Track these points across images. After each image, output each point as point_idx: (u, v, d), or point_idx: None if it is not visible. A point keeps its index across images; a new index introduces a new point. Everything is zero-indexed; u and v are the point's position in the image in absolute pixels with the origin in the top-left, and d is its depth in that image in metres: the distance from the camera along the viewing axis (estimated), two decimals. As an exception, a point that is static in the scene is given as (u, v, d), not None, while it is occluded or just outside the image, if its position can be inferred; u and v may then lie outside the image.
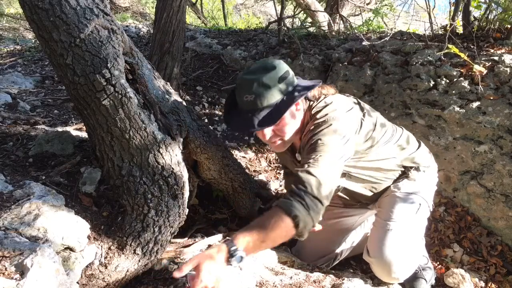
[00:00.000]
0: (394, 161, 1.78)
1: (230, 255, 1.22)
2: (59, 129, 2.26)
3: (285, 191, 2.58)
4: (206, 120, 3.20)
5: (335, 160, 1.41)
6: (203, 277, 1.19)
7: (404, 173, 1.82)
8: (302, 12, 5.58)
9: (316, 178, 1.33)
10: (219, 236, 2.09)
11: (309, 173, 1.34)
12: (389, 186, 1.81)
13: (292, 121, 1.54)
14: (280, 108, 1.44)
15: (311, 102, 1.58)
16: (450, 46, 2.34)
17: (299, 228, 1.27)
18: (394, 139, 1.75)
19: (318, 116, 1.52)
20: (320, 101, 1.58)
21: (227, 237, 1.36)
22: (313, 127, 1.50)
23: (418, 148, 1.84)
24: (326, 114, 1.50)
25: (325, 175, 1.35)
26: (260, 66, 1.48)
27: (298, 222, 1.26)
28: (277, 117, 1.44)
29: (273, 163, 2.91)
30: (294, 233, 1.29)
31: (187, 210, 1.80)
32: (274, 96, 1.44)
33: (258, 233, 1.25)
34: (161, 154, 1.66)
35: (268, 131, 1.52)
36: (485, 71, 2.38)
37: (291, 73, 1.52)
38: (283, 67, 1.49)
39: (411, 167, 1.81)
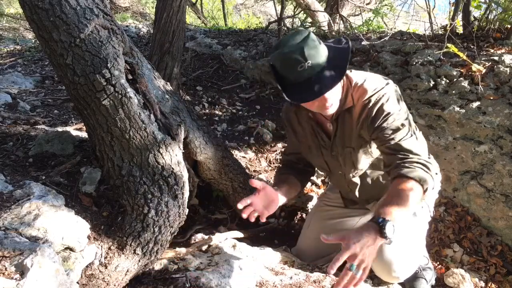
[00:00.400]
0: None
1: (381, 227, 1.25)
2: (59, 129, 2.26)
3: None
4: (206, 120, 3.21)
5: (411, 125, 1.53)
6: (363, 256, 1.22)
7: None
8: (302, 12, 5.59)
9: (413, 143, 1.47)
10: (220, 236, 2.10)
11: (406, 140, 1.47)
12: None
13: (337, 87, 1.49)
14: (337, 62, 1.42)
15: None
16: (449, 45, 2.34)
17: (426, 188, 1.40)
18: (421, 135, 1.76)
19: (369, 88, 1.52)
20: (351, 71, 1.60)
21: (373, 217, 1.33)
22: (373, 100, 1.50)
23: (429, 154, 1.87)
24: (383, 87, 1.52)
25: (417, 140, 1.51)
26: (293, 37, 1.41)
27: (423, 183, 1.39)
28: (341, 70, 1.40)
29: (273, 163, 2.91)
30: (423, 194, 1.41)
31: (187, 210, 1.80)
32: (324, 57, 1.42)
33: (396, 204, 1.33)
34: (161, 154, 1.66)
35: (331, 93, 1.45)
36: (483, 70, 2.38)
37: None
38: (310, 32, 1.44)
39: None
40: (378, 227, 1.26)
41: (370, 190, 1.82)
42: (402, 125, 1.49)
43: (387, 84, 1.55)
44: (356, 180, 1.78)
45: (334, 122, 1.62)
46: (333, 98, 1.48)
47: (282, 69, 1.44)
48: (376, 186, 1.79)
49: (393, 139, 1.48)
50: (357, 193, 1.84)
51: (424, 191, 1.40)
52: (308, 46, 1.37)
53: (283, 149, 3.01)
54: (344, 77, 1.55)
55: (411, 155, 1.45)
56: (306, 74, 1.40)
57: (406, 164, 1.43)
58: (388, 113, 1.49)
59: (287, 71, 1.42)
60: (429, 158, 1.54)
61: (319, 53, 1.40)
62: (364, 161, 1.69)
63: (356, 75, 1.59)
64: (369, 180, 1.78)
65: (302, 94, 1.43)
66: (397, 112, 1.50)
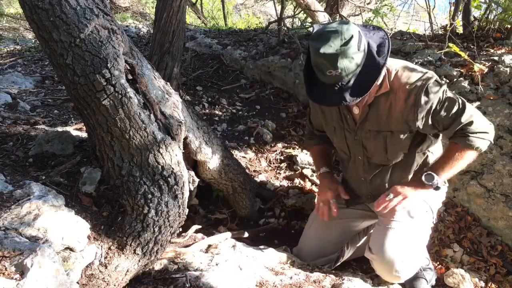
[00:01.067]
0: (432, 157, 1.81)
1: (428, 179, 1.63)
2: (59, 129, 2.26)
3: (285, 187, 2.58)
4: (206, 120, 3.21)
5: (459, 97, 1.59)
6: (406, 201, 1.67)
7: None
8: (302, 12, 5.58)
9: (473, 116, 1.56)
10: (220, 236, 2.10)
11: (466, 116, 1.55)
12: None
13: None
14: (366, 77, 1.42)
15: None
16: (450, 45, 2.35)
17: (483, 151, 1.63)
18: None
19: (409, 73, 1.55)
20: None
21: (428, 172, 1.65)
22: (419, 85, 1.52)
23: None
24: (423, 72, 1.55)
25: (474, 111, 1.59)
26: (335, 37, 1.37)
27: (480, 149, 1.60)
28: (368, 86, 1.42)
29: (273, 163, 2.91)
30: (477, 154, 1.64)
31: (187, 210, 1.80)
32: (357, 63, 1.41)
33: (449, 164, 1.64)
34: (161, 154, 1.66)
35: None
36: (486, 70, 2.38)
37: (359, 31, 1.44)
38: (354, 31, 1.39)
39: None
40: (425, 178, 1.62)
41: (381, 187, 1.80)
42: (455, 103, 1.55)
43: (425, 70, 1.57)
44: (374, 168, 1.78)
45: (367, 108, 1.62)
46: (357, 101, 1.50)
47: (313, 64, 1.45)
48: (387, 185, 1.79)
49: (454, 120, 1.55)
50: (368, 185, 1.83)
51: (478, 152, 1.62)
52: (344, 55, 1.36)
53: (289, 148, 3.00)
54: None
55: (471, 126, 1.56)
56: (333, 80, 1.41)
57: (470, 136, 1.57)
58: (439, 98, 1.53)
59: (317, 69, 1.45)
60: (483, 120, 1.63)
61: (353, 63, 1.39)
62: (396, 150, 1.69)
63: (393, 62, 1.60)
64: (386, 178, 1.78)
65: (321, 96, 1.48)
66: (445, 93, 1.54)
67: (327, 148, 1.99)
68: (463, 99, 1.59)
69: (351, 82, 1.41)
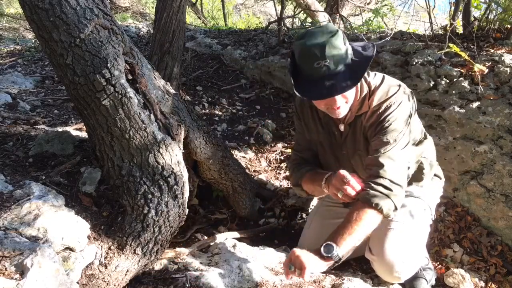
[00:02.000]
0: (426, 162, 1.79)
1: (326, 251, 1.40)
2: (59, 129, 2.26)
3: (288, 188, 2.58)
4: (206, 120, 3.21)
5: (405, 152, 1.53)
6: (306, 274, 1.35)
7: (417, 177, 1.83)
8: (302, 12, 5.58)
9: (393, 162, 1.47)
10: (220, 236, 2.10)
11: (388, 157, 1.48)
12: None
13: (352, 90, 1.48)
14: (355, 68, 1.40)
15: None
16: (451, 45, 2.34)
17: (384, 212, 1.46)
18: (430, 140, 1.81)
19: (382, 94, 1.53)
20: (374, 76, 1.59)
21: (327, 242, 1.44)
22: (383, 107, 1.51)
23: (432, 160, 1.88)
24: (394, 94, 1.52)
25: (400, 159, 1.50)
26: (320, 31, 1.39)
27: (381, 208, 1.44)
28: (357, 77, 1.39)
29: (273, 163, 2.91)
30: (382, 217, 1.48)
31: (187, 210, 1.80)
32: (345, 58, 1.39)
33: (348, 229, 1.43)
34: (161, 154, 1.66)
35: (342, 97, 1.46)
36: (486, 70, 2.38)
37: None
38: (337, 28, 1.41)
39: (424, 170, 1.82)
40: (323, 249, 1.40)
41: None
42: (395, 140, 1.50)
43: (399, 91, 1.54)
44: None
45: (347, 126, 1.62)
46: (342, 102, 1.47)
47: (299, 60, 1.42)
48: None
49: (378, 151, 1.50)
50: None
51: (384, 215, 1.47)
52: (331, 45, 1.35)
53: (289, 148, 3.00)
54: (364, 83, 1.55)
55: (382, 176, 1.46)
56: (321, 72, 1.38)
57: (372, 186, 1.46)
58: (389, 125, 1.50)
59: (304, 64, 1.41)
60: (408, 171, 1.56)
61: (340, 55, 1.37)
62: None
63: (376, 80, 1.58)
64: None
65: (312, 91, 1.42)
66: (397, 124, 1.51)
67: (319, 169, 1.79)
68: (405, 140, 1.52)
69: (340, 73, 1.39)
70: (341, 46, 1.38)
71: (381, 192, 1.45)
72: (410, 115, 1.56)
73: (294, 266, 1.37)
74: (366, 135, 1.58)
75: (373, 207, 1.44)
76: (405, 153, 1.53)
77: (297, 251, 1.39)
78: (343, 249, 1.41)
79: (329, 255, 1.39)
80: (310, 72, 1.40)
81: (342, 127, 1.64)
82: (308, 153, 1.84)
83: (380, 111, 1.52)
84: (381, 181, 1.46)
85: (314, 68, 1.38)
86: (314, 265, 1.38)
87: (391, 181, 1.46)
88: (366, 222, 1.44)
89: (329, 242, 1.41)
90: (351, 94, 1.49)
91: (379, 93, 1.54)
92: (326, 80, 1.38)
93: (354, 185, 1.47)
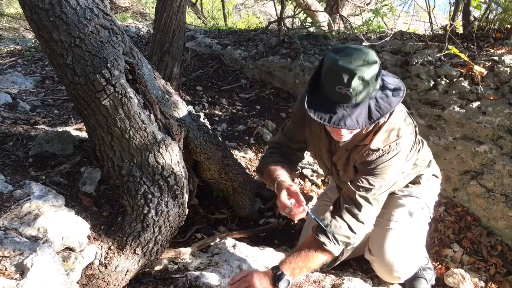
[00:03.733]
0: (418, 170, 1.79)
1: (277, 279, 1.40)
2: (59, 129, 2.26)
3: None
4: (206, 120, 3.20)
5: (384, 195, 1.53)
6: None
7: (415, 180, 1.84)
8: (302, 12, 5.59)
9: (370, 207, 1.47)
10: (219, 236, 2.10)
11: (366, 200, 1.47)
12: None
13: None
14: (374, 109, 1.32)
15: None
16: (450, 47, 2.34)
17: (334, 256, 1.49)
18: (425, 153, 1.78)
19: (385, 136, 1.47)
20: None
21: (274, 266, 1.46)
22: (381, 151, 1.46)
23: (431, 161, 1.87)
24: (395, 140, 1.46)
25: (377, 205, 1.50)
26: (358, 56, 1.29)
27: (332, 254, 1.47)
28: (371, 118, 1.31)
29: (273, 163, 2.90)
30: (331, 258, 1.50)
31: (187, 210, 1.80)
32: (369, 94, 1.31)
33: (300, 261, 1.45)
34: (161, 154, 1.66)
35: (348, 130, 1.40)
36: (485, 72, 2.38)
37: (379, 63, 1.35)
38: (377, 59, 1.31)
39: (422, 175, 1.83)
40: (274, 276, 1.42)
41: None
42: (380, 187, 1.48)
43: (402, 137, 1.48)
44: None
45: (345, 150, 1.58)
46: (346, 133, 1.43)
47: (325, 75, 1.34)
48: None
49: (361, 187, 1.47)
50: None
51: (334, 256, 1.50)
52: (362, 76, 1.26)
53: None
54: None
55: (356, 216, 1.47)
56: (339, 98, 1.31)
57: (332, 225, 1.46)
58: (381, 171, 1.47)
59: (327, 81, 1.33)
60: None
61: (366, 90, 1.29)
62: None
63: (391, 118, 1.49)
64: None
65: (321, 111, 1.35)
66: (389, 172, 1.48)
67: (287, 167, 1.70)
68: (389, 186, 1.52)
69: (356, 109, 1.31)
70: (371, 81, 1.28)
71: (343, 234, 1.46)
72: (406, 157, 1.53)
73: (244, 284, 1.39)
74: (356, 166, 1.56)
75: (323, 250, 1.46)
76: (384, 196, 1.53)
77: (253, 274, 1.41)
78: (290, 276, 1.43)
79: (276, 284, 1.40)
80: (330, 92, 1.34)
81: (341, 144, 1.60)
82: (294, 144, 1.77)
83: (377, 154, 1.47)
84: (349, 220, 1.47)
85: (335, 91, 1.31)
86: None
87: (362, 223, 1.47)
88: (313, 262, 1.47)
89: (278, 267, 1.44)
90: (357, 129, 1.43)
91: (382, 135, 1.48)
92: (340, 108, 1.32)
93: (294, 214, 1.42)
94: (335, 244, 1.45)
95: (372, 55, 1.30)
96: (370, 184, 1.47)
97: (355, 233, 1.46)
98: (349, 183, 1.51)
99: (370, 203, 1.47)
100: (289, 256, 1.48)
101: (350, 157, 1.57)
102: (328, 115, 1.32)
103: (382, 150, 1.46)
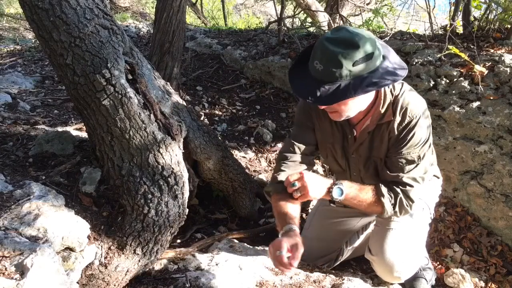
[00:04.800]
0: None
1: (334, 184, 1.48)
2: (59, 129, 2.26)
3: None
4: (206, 120, 3.21)
5: (428, 163, 1.56)
6: (310, 189, 1.43)
7: None
8: (302, 12, 5.58)
9: (411, 185, 1.51)
10: (219, 236, 2.10)
11: (413, 179, 1.51)
12: None
13: (354, 104, 1.42)
14: (343, 92, 1.31)
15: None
16: (450, 46, 2.34)
17: (384, 214, 1.55)
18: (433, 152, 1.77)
19: (403, 104, 1.48)
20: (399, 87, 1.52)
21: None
22: (407, 119, 1.47)
23: (432, 163, 1.86)
24: (415, 104, 1.48)
25: (417, 182, 1.53)
26: (345, 39, 1.29)
27: (384, 211, 1.54)
28: (335, 100, 1.33)
29: (273, 163, 2.90)
30: (379, 213, 1.57)
31: (187, 210, 1.80)
32: (342, 77, 1.30)
33: (358, 195, 1.52)
34: (161, 154, 1.66)
35: (339, 104, 1.39)
36: (486, 72, 2.38)
37: (376, 53, 1.33)
38: (367, 48, 1.30)
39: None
40: (333, 182, 1.50)
41: None
42: (419, 158, 1.51)
43: (418, 99, 1.51)
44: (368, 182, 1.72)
45: (366, 134, 1.57)
46: (338, 109, 1.42)
47: (314, 47, 1.36)
48: None
49: (401, 169, 1.51)
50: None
51: (381, 212, 1.55)
52: (334, 57, 1.27)
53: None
54: (388, 91, 1.50)
55: (402, 187, 1.52)
56: (315, 74, 1.34)
57: (393, 190, 1.52)
58: (413, 142, 1.49)
59: (312, 54, 1.36)
60: (422, 180, 1.56)
61: (336, 72, 1.29)
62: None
63: (402, 90, 1.52)
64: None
65: (302, 86, 1.39)
66: (420, 143, 1.50)
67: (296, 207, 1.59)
68: (428, 151, 1.54)
69: (327, 87, 1.32)
70: (345, 64, 1.28)
71: (401, 207, 1.53)
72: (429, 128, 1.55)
73: (297, 187, 1.44)
74: (388, 144, 1.55)
75: (381, 211, 1.54)
76: (427, 163, 1.57)
77: (306, 175, 1.45)
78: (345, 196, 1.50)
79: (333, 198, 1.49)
80: (310, 66, 1.37)
81: (355, 133, 1.60)
82: (306, 148, 1.70)
83: (405, 123, 1.48)
84: (401, 195, 1.52)
85: (313, 65, 1.34)
86: (316, 190, 1.46)
87: (412, 202, 1.53)
88: (365, 208, 1.55)
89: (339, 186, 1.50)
90: (348, 110, 1.43)
91: (401, 103, 1.48)
92: (314, 81, 1.34)
93: (283, 266, 1.32)
94: (391, 203, 1.52)
95: (361, 40, 1.29)
96: (409, 160, 1.50)
97: (410, 208, 1.54)
98: (387, 171, 1.54)
99: (417, 181, 1.52)
100: (352, 182, 1.56)
101: (375, 139, 1.57)
102: (307, 90, 1.36)
103: (408, 118, 1.48)
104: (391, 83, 1.34)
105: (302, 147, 1.67)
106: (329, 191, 1.48)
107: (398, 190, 1.52)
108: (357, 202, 1.53)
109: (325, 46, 1.30)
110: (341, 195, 1.48)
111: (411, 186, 1.51)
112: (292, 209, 1.51)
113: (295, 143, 1.67)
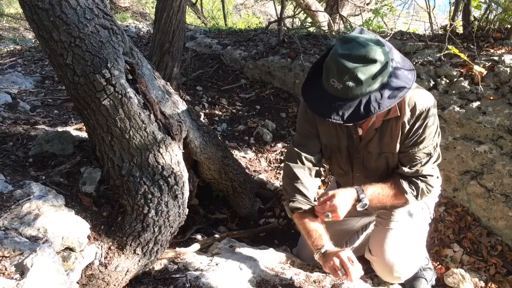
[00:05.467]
0: None
1: (358, 200, 1.55)
2: (59, 129, 2.26)
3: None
4: (206, 120, 3.21)
5: (438, 152, 1.60)
6: (340, 213, 1.50)
7: None
8: (302, 12, 5.59)
9: (431, 174, 1.58)
10: (219, 237, 2.10)
11: (431, 168, 1.58)
12: None
13: (377, 115, 1.42)
14: (367, 109, 1.32)
15: None
16: (450, 47, 2.34)
17: (408, 203, 1.65)
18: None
19: (411, 99, 1.47)
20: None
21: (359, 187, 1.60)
22: (417, 113, 1.48)
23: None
24: (422, 97, 1.48)
25: (434, 170, 1.62)
26: (361, 52, 1.27)
27: (408, 202, 1.64)
28: (361, 118, 1.33)
29: (273, 163, 2.91)
30: (403, 202, 1.66)
31: (187, 210, 1.80)
32: (362, 91, 1.31)
33: (380, 194, 1.59)
34: (161, 154, 1.66)
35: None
36: (485, 72, 2.38)
37: (389, 62, 1.34)
38: (382, 59, 1.29)
39: None
40: (357, 196, 1.55)
41: None
42: (434, 149, 1.55)
43: (424, 92, 1.53)
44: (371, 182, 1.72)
45: (373, 131, 1.57)
46: (364, 122, 1.48)
47: (326, 63, 1.35)
48: None
49: (420, 163, 1.55)
50: None
51: (406, 201, 1.63)
52: (354, 76, 1.27)
53: (284, 151, 3.00)
54: None
55: (422, 178, 1.58)
56: (331, 91, 1.34)
57: (414, 182, 1.59)
58: (428, 135, 1.51)
59: (325, 71, 1.35)
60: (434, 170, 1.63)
61: (359, 87, 1.29)
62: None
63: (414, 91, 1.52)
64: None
65: (318, 104, 1.39)
66: (433, 134, 1.53)
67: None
68: (439, 139, 1.58)
69: (348, 105, 1.32)
70: (366, 80, 1.28)
71: (422, 194, 1.60)
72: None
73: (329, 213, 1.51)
74: (400, 139, 1.55)
75: (406, 201, 1.62)
76: (439, 149, 1.62)
77: (336, 199, 1.51)
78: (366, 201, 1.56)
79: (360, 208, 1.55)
80: (325, 83, 1.37)
81: (360, 131, 1.60)
82: (313, 157, 1.68)
83: (415, 117, 1.49)
84: (421, 184, 1.59)
85: (329, 83, 1.33)
86: (344, 210, 1.52)
87: (432, 187, 1.61)
88: (391, 201, 1.63)
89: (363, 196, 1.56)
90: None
91: (418, 101, 1.48)
92: (332, 99, 1.34)
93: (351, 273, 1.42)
94: (413, 195, 1.59)
95: (376, 52, 1.28)
96: (426, 153, 1.54)
97: (430, 191, 1.61)
98: (406, 168, 1.57)
99: (434, 168, 1.60)
100: (374, 186, 1.60)
101: (384, 135, 1.57)
102: (323, 107, 1.37)
103: (418, 112, 1.49)
104: (407, 90, 1.36)
105: (310, 157, 1.66)
106: (355, 205, 1.55)
107: (419, 182, 1.58)
108: (379, 203, 1.62)
109: (341, 64, 1.28)
110: (364, 207, 1.56)
111: (431, 175, 1.58)
112: (319, 226, 1.62)
113: (303, 154, 1.65)
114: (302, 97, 1.48)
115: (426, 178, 1.58)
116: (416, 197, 1.60)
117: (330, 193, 1.54)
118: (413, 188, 1.59)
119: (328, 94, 1.36)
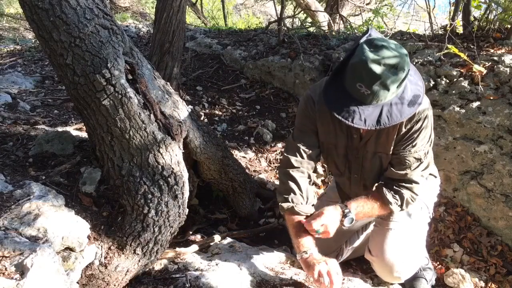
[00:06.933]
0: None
1: (345, 215, 1.55)
2: (59, 129, 2.26)
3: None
4: (206, 120, 3.21)
5: (430, 158, 1.61)
6: (330, 230, 1.53)
7: None
8: (302, 12, 5.59)
9: (417, 182, 1.57)
10: (219, 237, 2.10)
11: (419, 175, 1.57)
12: None
13: None
14: (389, 114, 1.34)
15: None
16: (450, 46, 2.34)
17: (392, 213, 1.64)
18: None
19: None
20: None
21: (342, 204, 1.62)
22: (414, 120, 1.48)
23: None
24: (425, 109, 1.48)
25: (422, 178, 1.60)
26: (393, 63, 1.28)
27: (392, 213, 1.64)
28: (378, 124, 1.34)
29: (273, 163, 2.91)
30: (388, 214, 1.66)
31: (187, 210, 1.80)
32: (388, 99, 1.33)
33: (365, 207, 1.60)
34: (161, 154, 1.66)
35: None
36: (485, 71, 2.38)
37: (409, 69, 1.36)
38: (408, 67, 1.31)
39: None
40: (342, 211, 1.56)
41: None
42: (425, 155, 1.55)
43: (424, 97, 1.50)
44: (369, 184, 1.75)
45: (373, 130, 1.56)
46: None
47: (352, 66, 1.34)
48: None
49: (409, 167, 1.55)
50: (360, 192, 1.81)
51: (390, 212, 1.64)
52: (382, 82, 1.27)
53: (283, 150, 3.00)
54: None
55: (408, 185, 1.57)
56: (356, 95, 1.34)
57: (398, 192, 1.58)
58: (421, 139, 1.51)
59: (351, 74, 1.34)
60: (424, 177, 1.63)
61: (386, 94, 1.31)
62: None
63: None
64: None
65: (339, 105, 1.38)
66: (426, 139, 1.53)
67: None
68: (430, 147, 1.59)
69: (369, 108, 1.33)
70: (392, 88, 1.30)
71: (407, 204, 1.59)
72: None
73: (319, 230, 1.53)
74: (395, 140, 1.56)
75: (389, 210, 1.61)
76: (430, 158, 1.62)
77: (324, 218, 1.53)
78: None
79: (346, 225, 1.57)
80: (348, 83, 1.36)
81: (361, 131, 1.59)
82: (312, 152, 1.69)
83: (413, 120, 1.49)
84: (406, 192, 1.57)
85: (354, 86, 1.33)
86: (333, 229, 1.55)
87: (417, 195, 1.60)
88: (375, 213, 1.63)
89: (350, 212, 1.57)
90: None
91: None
92: (355, 103, 1.34)
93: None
94: (397, 205, 1.58)
95: (405, 61, 1.29)
96: (416, 158, 1.54)
97: (414, 199, 1.61)
98: (394, 170, 1.57)
99: (423, 175, 1.59)
100: (357, 200, 1.61)
101: (381, 135, 1.57)
102: (345, 109, 1.36)
103: (417, 115, 1.48)
104: (422, 97, 1.38)
105: (308, 151, 1.67)
106: (342, 222, 1.56)
107: (403, 191, 1.57)
108: (365, 216, 1.63)
109: (372, 71, 1.27)
110: (351, 222, 1.57)
111: (417, 182, 1.56)
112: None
113: (301, 146, 1.66)
114: (323, 96, 1.44)
115: (412, 184, 1.56)
116: (401, 206, 1.59)
117: (316, 212, 1.58)
118: (397, 198, 1.58)
119: (351, 97, 1.36)
